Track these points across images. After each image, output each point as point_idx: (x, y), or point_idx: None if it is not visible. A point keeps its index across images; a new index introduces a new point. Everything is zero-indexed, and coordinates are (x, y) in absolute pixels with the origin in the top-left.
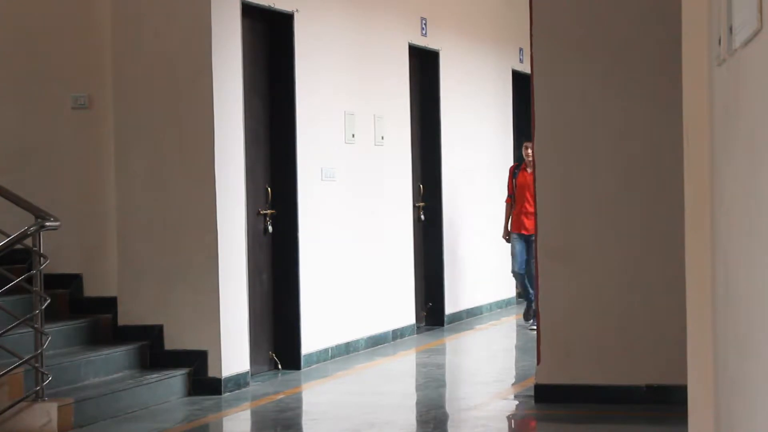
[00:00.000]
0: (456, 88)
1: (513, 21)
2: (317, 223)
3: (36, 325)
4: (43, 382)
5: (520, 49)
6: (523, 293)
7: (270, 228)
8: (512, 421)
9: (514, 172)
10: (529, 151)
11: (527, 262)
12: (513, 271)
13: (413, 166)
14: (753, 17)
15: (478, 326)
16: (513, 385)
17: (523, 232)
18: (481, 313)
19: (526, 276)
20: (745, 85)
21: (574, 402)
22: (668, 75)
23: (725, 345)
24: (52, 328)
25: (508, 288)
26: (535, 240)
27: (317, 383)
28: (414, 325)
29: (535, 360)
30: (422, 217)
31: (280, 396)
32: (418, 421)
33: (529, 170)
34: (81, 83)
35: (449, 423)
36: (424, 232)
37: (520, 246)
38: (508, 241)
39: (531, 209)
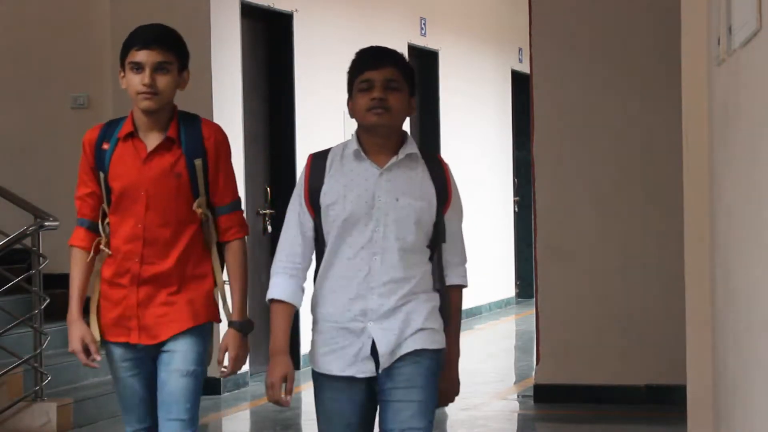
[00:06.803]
0: (455, 88)
1: (513, 21)
2: None
3: (35, 325)
4: (43, 382)
5: (520, 49)
6: None
7: (269, 228)
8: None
9: (100, 152)
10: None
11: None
12: None
13: None
14: (752, 17)
15: (477, 326)
16: (513, 385)
17: (148, 339)
18: (481, 313)
19: None
20: (745, 85)
21: (574, 402)
22: (668, 75)
23: (725, 345)
24: (52, 328)
25: (508, 288)
26: (535, 240)
27: None
28: None
29: (535, 360)
30: None
31: None
32: None
33: (149, 147)
34: (81, 83)
35: (449, 423)
36: None
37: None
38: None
39: (164, 262)
